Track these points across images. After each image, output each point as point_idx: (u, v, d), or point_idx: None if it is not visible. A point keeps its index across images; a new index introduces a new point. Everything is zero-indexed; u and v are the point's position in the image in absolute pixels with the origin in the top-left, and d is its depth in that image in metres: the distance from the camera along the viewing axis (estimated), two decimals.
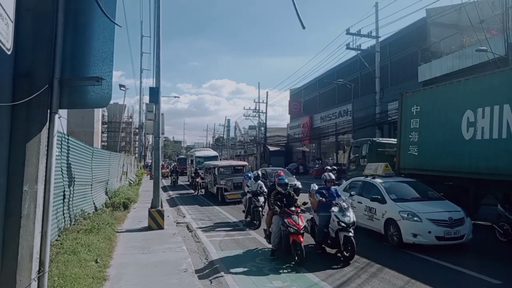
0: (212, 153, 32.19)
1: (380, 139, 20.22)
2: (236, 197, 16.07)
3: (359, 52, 29.86)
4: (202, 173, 21.94)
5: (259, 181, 12.04)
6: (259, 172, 13.68)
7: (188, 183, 22.65)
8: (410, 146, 12.32)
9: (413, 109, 12.39)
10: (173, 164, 46.34)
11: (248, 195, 11.74)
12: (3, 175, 2.78)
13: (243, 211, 12.21)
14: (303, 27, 3.48)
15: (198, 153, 30.78)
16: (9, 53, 2.16)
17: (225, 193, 16.54)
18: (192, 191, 22.93)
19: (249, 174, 13.68)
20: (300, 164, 41.12)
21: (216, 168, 18.27)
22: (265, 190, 11.42)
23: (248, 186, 12.14)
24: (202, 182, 21.39)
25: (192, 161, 30.01)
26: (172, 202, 17.92)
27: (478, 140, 9.74)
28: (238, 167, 19.34)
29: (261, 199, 11.26)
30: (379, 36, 29.14)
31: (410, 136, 12.38)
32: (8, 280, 2.83)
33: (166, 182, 31.46)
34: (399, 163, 12.80)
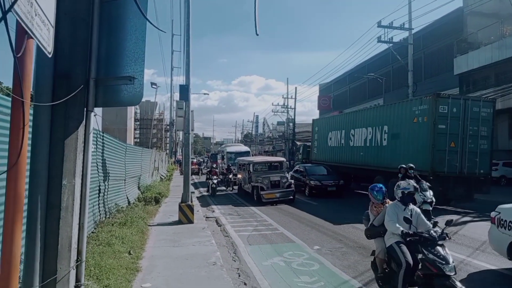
0: (244, 148, 31.50)
1: (308, 143, 30.98)
2: (273, 197, 15.05)
3: (391, 45, 29.01)
4: (234, 169, 21.08)
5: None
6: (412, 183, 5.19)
7: (220, 179, 20.76)
8: (314, 148, 24.68)
9: (315, 128, 24.99)
10: (204, 160, 46.38)
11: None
12: (44, 169, 2.97)
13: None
14: (257, 34, 3.54)
15: (229, 149, 30.12)
16: (50, 56, 2.31)
17: (262, 192, 15.20)
18: (223, 188, 21.49)
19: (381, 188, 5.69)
20: None
21: (251, 165, 17.16)
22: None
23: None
24: (235, 179, 20.55)
25: (223, 156, 29.39)
26: (204, 202, 16.53)
27: (355, 146, 19.01)
28: (275, 164, 18.20)
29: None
30: (412, 28, 28.16)
31: (315, 143, 24.76)
32: (50, 268, 3.03)
33: (196, 178, 31.12)
34: (311, 157, 25.27)
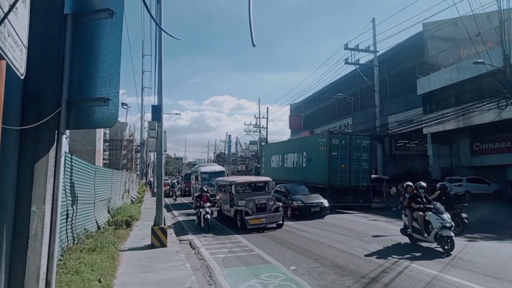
0: (218, 168, 30.08)
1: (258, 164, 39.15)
2: (259, 222, 13.26)
3: (357, 66, 30.24)
4: (211, 191, 17.39)
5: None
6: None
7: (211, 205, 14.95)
8: (262, 169, 32.17)
9: (263, 152, 33.68)
10: (178, 181, 45.47)
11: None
12: (11, 195, 2.82)
13: None
14: (253, 45, 3.60)
15: (203, 169, 28.62)
16: (22, 77, 2.23)
17: (246, 218, 13.24)
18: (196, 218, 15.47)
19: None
20: None
21: (233, 186, 14.93)
22: None
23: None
24: (214, 201, 17.29)
25: (197, 177, 27.71)
26: (180, 229, 14.44)
27: (287, 167, 26.01)
28: (260, 184, 15.82)
29: None
30: (377, 51, 29.54)
31: (263, 164, 32.68)
32: None
33: (168, 201, 30.01)
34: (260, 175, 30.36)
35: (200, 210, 14.19)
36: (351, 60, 29.43)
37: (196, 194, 15.96)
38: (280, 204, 14.26)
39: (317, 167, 21.59)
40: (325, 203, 16.82)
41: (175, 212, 20.85)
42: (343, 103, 36.04)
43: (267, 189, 15.36)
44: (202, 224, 13.80)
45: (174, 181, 48.19)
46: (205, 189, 15.10)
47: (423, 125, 25.01)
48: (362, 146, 20.87)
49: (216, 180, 18.88)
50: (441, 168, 26.97)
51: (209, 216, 13.65)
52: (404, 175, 28.05)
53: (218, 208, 17.32)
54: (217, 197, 17.69)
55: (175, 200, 28.60)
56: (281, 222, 13.82)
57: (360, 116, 32.60)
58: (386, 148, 30.69)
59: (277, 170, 27.70)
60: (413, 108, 26.73)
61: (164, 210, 11.71)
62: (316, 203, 16.71)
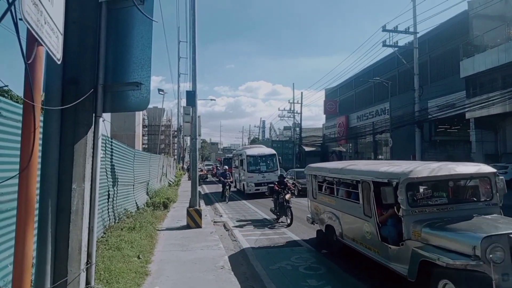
0: (268, 150, 22.88)
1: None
2: None
3: (396, 49, 29.06)
4: (294, 184, 13.56)
5: None
6: None
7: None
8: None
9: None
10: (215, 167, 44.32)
11: None
12: (54, 174, 3.03)
13: None
14: None
15: (249, 151, 22.12)
16: (59, 62, 2.39)
17: None
18: (281, 224, 11.44)
19: None
20: None
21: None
22: None
23: None
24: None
25: (241, 161, 21.94)
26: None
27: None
28: None
29: None
30: (417, 32, 28.19)
31: None
32: (61, 270, 3.09)
33: (207, 188, 27.12)
34: None
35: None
36: (389, 42, 28.32)
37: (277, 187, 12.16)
38: None
39: None
40: None
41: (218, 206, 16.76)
42: (381, 88, 34.91)
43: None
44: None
45: (214, 165, 47.54)
46: (288, 182, 12.25)
47: (466, 110, 23.78)
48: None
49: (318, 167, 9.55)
50: (484, 155, 25.64)
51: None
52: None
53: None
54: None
55: (227, 197, 18.45)
56: None
57: (398, 101, 31.46)
58: (425, 134, 29.53)
59: None
60: (455, 92, 25.43)
61: (199, 192, 12.05)
62: None
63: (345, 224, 7.32)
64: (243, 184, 21.28)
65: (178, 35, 41.99)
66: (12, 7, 1.62)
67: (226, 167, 21.03)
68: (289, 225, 10.97)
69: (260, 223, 12.08)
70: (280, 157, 22.49)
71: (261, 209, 15.34)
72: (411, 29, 27.86)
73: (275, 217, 12.19)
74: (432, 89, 28.57)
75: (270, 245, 8.84)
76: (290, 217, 11.12)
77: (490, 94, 21.66)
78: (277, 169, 20.40)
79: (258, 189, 19.76)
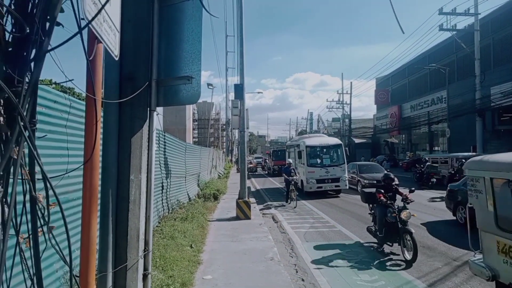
0: (332, 140, 19.14)
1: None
2: None
3: (454, 32, 27.16)
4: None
5: None
6: None
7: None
8: None
9: None
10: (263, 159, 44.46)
11: None
12: (114, 165, 3.22)
13: None
14: (403, 32, 3.34)
15: (309, 141, 18.28)
16: (117, 59, 2.51)
17: None
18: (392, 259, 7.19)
19: None
20: (387, 157, 38.77)
21: None
22: None
23: None
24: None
25: (299, 153, 18.33)
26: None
27: None
28: None
29: None
30: (478, 13, 26.11)
31: None
32: (121, 256, 3.27)
33: (257, 182, 24.89)
34: None
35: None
36: (447, 26, 26.54)
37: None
38: None
39: None
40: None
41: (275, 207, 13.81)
42: (437, 75, 32.94)
43: None
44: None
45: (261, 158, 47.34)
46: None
47: None
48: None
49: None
50: None
51: None
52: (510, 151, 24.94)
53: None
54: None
55: (295, 201, 13.96)
56: None
57: (456, 88, 29.45)
58: (487, 123, 27.45)
59: None
60: None
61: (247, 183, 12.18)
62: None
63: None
64: (302, 181, 17.38)
65: (225, 30, 42.62)
66: (75, 7, 1.73)
67: (290, 161, 16.20)
68: (409, 264, 6.59)
69: (352, 252, 7.50)
70: None
71: (335, 216, 11.59)
72: (472, 10, 25.87)
73: (375, 241, 7.83)
74: (496, 74, 26.40)
75: (319, 238, 8.74)
76: (411, 248, 6.67)
77: None
78: (344, 163, 17.18)
79: (321, 187, 16.50)
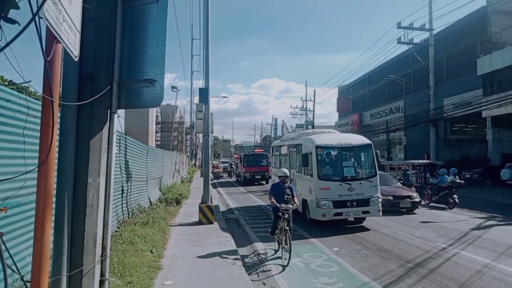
0: (357, 139, 12.05)
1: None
2: None
3: (411, 46, 28.63)
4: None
5: None
6: None
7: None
8: None
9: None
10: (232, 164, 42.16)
11: None
12: (71, 168, 3.12)
13: None
14: None
15: (320, 139, 11.42)
16: (76, 60, 2.46)
17: None
18: None
19: None
20: None
21: None
22: None
23: None
24: None
25: (304, 158, 10.96)
26: None
27: None
28: None
29: None
30: (433, 29, 27.74)
31: None
32: (76, 262, 3.18)
33: (227, 195, 20.16)
34: None
35: None
36: (405, 39, 27.92)
37: None
38: None
39: None
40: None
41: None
42: (395, 85, 34.46)
43: None
44: None
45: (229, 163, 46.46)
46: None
47: (483, 108, 23.32)
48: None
49: None
50: (501, 154, 25.15)
51: None
52: (461, 160, 26.52)
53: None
54: None
55: (289, 251, 7.14)
56: None
57: (412, 99, 30.98)
58: (440, 133, 29.07)
59: None
60: (472, 90, 24.94)
61: (210, 188, 12.12)
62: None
63: None
64: (307, 202, 11.12)
65: (191, 33, 42.26)
66: (32, 5, 1.69)
67: (286, 172, 8.43)
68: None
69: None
70: None
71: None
72: (427, 26, 27.42)
73: None
74: (448, 87, 28.09)
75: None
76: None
77: (508, 92, 21.19)
78: (376, 175, 10.83)
79: (341, 213, 10.28)
